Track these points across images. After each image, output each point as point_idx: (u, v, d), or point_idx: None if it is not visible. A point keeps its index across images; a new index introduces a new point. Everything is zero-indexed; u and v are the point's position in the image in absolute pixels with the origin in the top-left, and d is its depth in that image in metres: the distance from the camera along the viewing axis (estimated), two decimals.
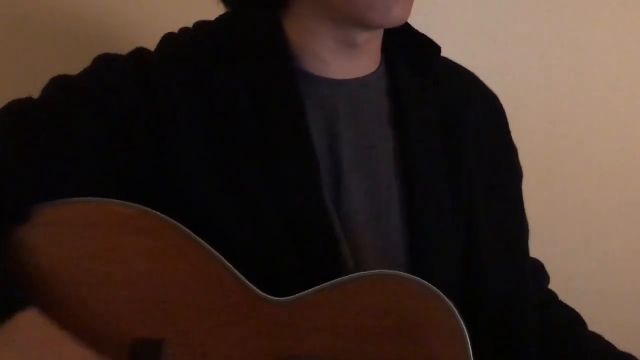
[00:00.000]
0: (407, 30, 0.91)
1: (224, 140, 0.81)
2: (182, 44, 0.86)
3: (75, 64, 0.86)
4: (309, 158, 0.82)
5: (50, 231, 0.75)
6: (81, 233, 0.76)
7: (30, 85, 0.84)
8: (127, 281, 0.75)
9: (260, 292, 0.76)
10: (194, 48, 0.85)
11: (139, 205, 0.77)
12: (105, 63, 0.85)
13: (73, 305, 0.73)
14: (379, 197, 0.86)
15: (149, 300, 0.75)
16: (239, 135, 0.81)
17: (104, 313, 0.74)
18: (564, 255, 1.39)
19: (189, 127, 0.81)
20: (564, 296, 1.03)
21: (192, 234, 0.76)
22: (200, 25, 0.89)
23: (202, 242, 0.76)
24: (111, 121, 0.79)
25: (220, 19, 0.89)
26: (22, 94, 0.83)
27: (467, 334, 0.76)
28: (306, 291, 0.77)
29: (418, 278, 0.77)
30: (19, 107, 0.81)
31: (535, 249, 0.99)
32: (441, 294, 0.76)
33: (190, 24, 0.89)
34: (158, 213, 0.77)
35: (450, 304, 0.76)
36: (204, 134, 0.81)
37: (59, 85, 0.83)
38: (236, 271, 0.76)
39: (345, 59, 0.87)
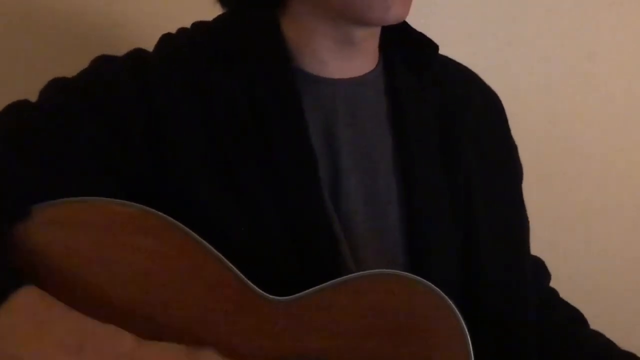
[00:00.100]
0: (404, 29, 0.91)
1: (223, 140, 0.81)
2: (180, 45, 0.86)
3: (75, 64, 0.86)
4: (308, 158, 0.82)
5: (50, 231, 0.75)
6: (81, 233, 0.76)
7: (30, 85, 0.84)
8: (127, 281, 0.75)
9: (260, 291, 0.76)
10: (192, 48, 0.85)
11: (140, 205, 0.77)
12: (103, 64, 0.85)
13: (73, 305, 0.72)
14: (378, 197, 0.86)
15: (149, 300, 0.75)
16: (238, 136, 0.81)
17: (104, 313, 0.74)
18: (564, 255, 1.39)
19: (188, 127, 0.81)
20: (564, 295, 1.03)
21: (193, 234, 0.76)
22: (198, 25, 0.89)
23: (203, 241, 0.76)
24: (110, 121, 0.79)
25: (218, 19, 0.89)
26: (22, 94, 0.83)
27: (467, 333, 0.76)
28: (306, 291, 0.77)
29: (418, 277, 0.77)
30: (19, 109, 0.81)
31: (535, 249, 0.99)
32: (441, 292, 0.76)
33: (189, 25, 0.89)
34: (158, 213, 0.76)
35: (451, 302, 0.76)
36: (203, 134, 0.81)
37: (58, 87, 0.83)
38: (237, 271, 0.76)
39: (343, 58, 0.87)
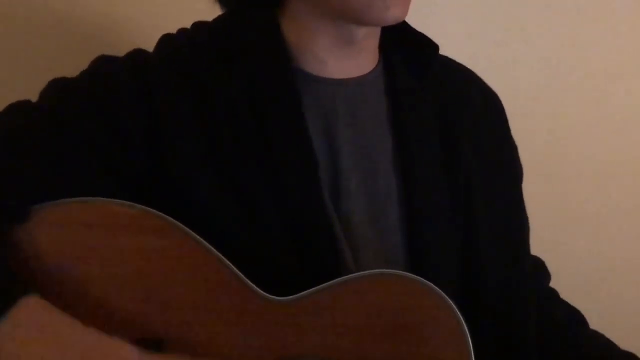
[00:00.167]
0: (404, 29, 0.91)
1: (223, 140, 0.81)
2: (180, 45, 0.86)
3: (75, 65, 0.86)
4: (308, 158, 0.82)
5: (50, 231, 0.75)
6: (81, 233, 0.76)
7: (30, 85, 0.84)
8: (128, 281, 0.75)
9: (261, 291, 0.76)
10: (192, 49, 0.85)
11: (139, 205, 0.77)
12: (103, 64, 0.85)
13: (73, 305, 0.72)
14: (378, 197, 0.86)
15: (149, 300, 0.75)
16: (238, 136, 0.81)
17: (103, 313, 0.74)
18: (564, 255, 1.39)
19: (188, 128, 0.81)
20: (564, 295, 1.03)
21: (193, 234, 0.76)
22: (198, 25, 0.89)
23: (203, 241, 0.76)
24: (110, 121, 0.79)
25: (218, 19, 0.89)
26: (22, 94, 0.83)
27: (467, 333, 0.76)
28: (306, 291, 0.77)
29: (418, 277, 0.77)
30: (19, 109, 0.81)
31: (535, 249, 0.99)
32: (442, 292, 0.76)
33: (189, 25, 0.89)
34: (158, 213, 0.76)
35: (451, 302, 0.76)
36: (203, 134, 0.81)
37: (58, 87, 0.83)
38: (237, 271, 0.76)
39: (343, 58, 0.87)
